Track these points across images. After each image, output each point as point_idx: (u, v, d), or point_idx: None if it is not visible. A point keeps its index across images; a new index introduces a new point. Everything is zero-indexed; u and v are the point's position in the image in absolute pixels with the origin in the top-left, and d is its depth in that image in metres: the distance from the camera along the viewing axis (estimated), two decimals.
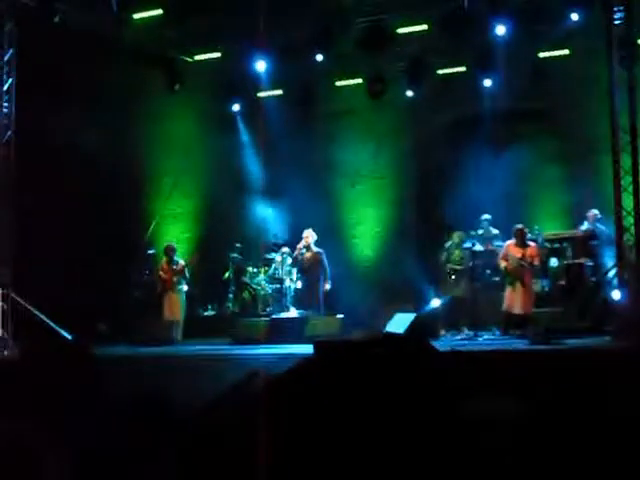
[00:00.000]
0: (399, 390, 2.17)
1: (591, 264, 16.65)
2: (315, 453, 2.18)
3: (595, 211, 17.01)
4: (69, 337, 13.98)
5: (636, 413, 4.44)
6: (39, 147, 17.47)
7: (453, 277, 16.52)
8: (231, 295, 20.08)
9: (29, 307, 14.74)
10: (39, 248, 17.24)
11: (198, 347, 15.82)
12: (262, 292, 19.22)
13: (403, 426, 2.14)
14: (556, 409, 4.60)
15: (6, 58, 15.69)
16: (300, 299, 17.99)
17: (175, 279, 17.73)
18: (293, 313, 17.65)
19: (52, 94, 17.88)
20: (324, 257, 17.42)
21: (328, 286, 17.34)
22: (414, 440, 2.15)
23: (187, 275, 17.99)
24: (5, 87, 15.69)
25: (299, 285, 18.31)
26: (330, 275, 17.50)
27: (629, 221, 14.42)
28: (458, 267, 16.50)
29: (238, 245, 20.34)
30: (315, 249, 17.47)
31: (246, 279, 19.70)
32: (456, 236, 16.61)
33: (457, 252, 16.55)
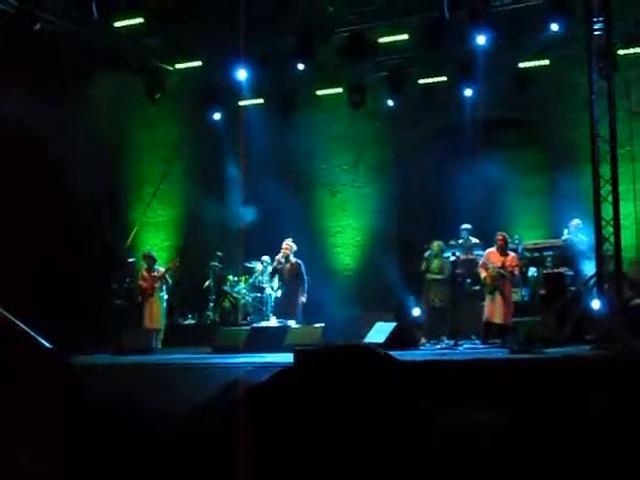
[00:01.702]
0: (378, 401, 2.17)
1: (571, 273, 16.71)
2: (295, 463, 2.17)
3: (577, 220, 17.03)
4: (48, 346, 13.90)
5: (616, 421, 4.46)
6: (18, 154, 17.39)
7: (433, 287, 16.52)
8: (211, 304, 20.05)
9: (6, 315, 14.63)
10: (17, 256, 17.14)
11: (178, 356, 15.76)
12: (242, 301, 19.20)
13: (382, 437, 2.14)
14: (536, 418, 4.60)
15: None
16: (279, 309, 17.94)
17: (156, 286, 17.62)
18: (273, 322, 17.60)
19: (32, 102, 17.80)
20: (303, 268, 17.36)
21: (304, 299, 17.28)
22: (392, 451, 2.15)
23: (169, 280, 17.92)
24: None
25: (280, 294, 18.28)
26: (310, 285, 17.46)
27: (609, 231, 14.46)
28: (437, 277, 16.49)
29: (218, 253, 20.31)
30: (294, 260, 17.40)
31: (226, 288, 19.67)
32: (435, 245, 16.58)
33: (436, 261, 16.52)
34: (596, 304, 14.33)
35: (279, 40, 18.11)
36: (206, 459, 2.70)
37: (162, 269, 17.91)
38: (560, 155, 18.99)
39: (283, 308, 17.66)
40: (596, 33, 15.03)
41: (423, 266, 16.58)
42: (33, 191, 18.06)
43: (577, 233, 16.97)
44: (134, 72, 19.56)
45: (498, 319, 15.45)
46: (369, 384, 2.24)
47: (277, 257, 17.54)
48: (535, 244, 17.88)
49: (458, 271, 16.55)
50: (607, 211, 14.46)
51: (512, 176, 18.86)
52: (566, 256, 17.01)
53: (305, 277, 17.35)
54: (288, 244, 17.41)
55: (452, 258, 16.44)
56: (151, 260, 18.00)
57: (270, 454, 2.19)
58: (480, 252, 16.68)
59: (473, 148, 18.50)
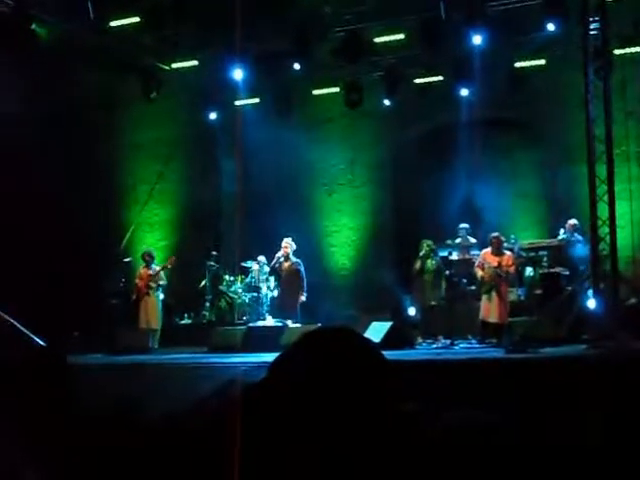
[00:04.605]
0: (371, 403, 2.17)
1: (567, 273, 16.70)
2: (289, 464, 2.17)
3: (574, 221, 17.01)
4: (42, 343, 13.89)
5: (611, 420, 4.46)
6: (11, 156, 17.37)
7: (428, 286, 16.51)
8: (208, 304, 20.02)
9: (1, 314, 14.60)
10: (13, 256, 17.12)
11: (174, 356, 15.75)
12: (239, 300, 19.16)
13: (373, 435, 2.14)
14: (531, 417, 4.61)
15: None
16: (277, 308, 17.96)
17: (152, 284, 17.63)
18: (270, 322, 17.60)
19: (28, 102, 17.79)
20: (302, 268, 17.40)
21: (303, 298, 17.31)
22: (385, 450, 2.15)
23: (164, 279, 17.94)
24: None
25: (276, 293, 18.29)
26: (307, 285, 17.48)
27: (604, 230, 14.48)
28: (433, 276, 16.49)
29: (215, 253, 20.29)
30: (293, 259, 17.46)
31: (223, 287, 19.64)
32: (425, 245, 16.57)
33: (429, 261, 16.52)
34: (592, 303, 14.35)
35: (275, 40, 18.10)
36: (200, 458, 2.70)
37: (158, 268, 17.94)
38: (556, 155, 18.99)
39: (281, 307, 17.69)
40: (592, 33, 15.05)
41: (417, 266, 16.57)
42: (27, 192, 18.04)
43: (573, 233, 16.98)
44: (130, 71, 19.54)
45: (494, 318, 15.46)
46: (359, 377, 2.23)
47: (277, 255, 17.58)
48: (531, 244, 17.86)
49: (454, 271, 16.58)
50: (603, 211, 14.49)
51: (508, 175, 18.87)
52: (562, 256, 17.01)
53: (304, 276, 17.39)
54: (288, 242, 17.50)
55: (451, 257, 16.48)
56: (149, 258, 18.05)
57: (264, 453, 2.19)
58: (476, 252, 16.71)
59: (469, 148, 18.49)
